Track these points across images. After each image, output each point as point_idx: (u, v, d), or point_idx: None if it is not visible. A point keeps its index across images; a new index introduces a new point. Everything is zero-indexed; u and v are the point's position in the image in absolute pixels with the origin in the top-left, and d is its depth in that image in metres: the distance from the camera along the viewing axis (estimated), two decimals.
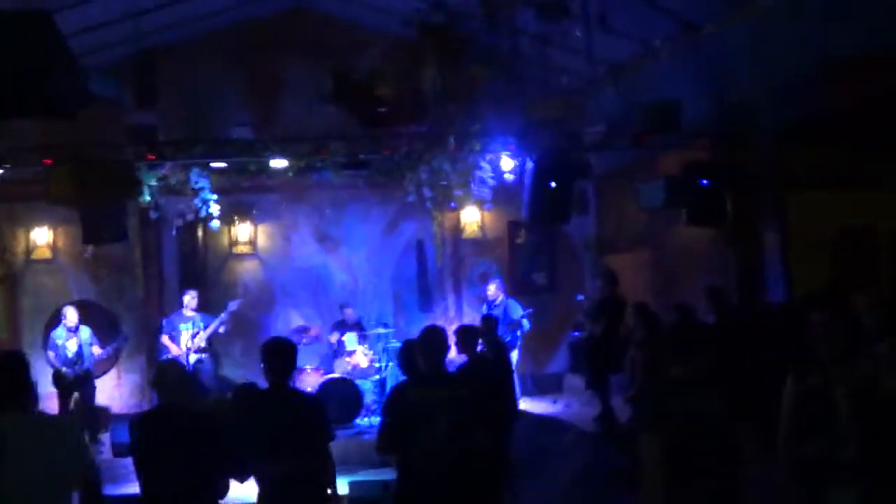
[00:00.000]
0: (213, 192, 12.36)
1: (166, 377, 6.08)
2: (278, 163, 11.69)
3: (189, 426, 5.84)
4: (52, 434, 4.65)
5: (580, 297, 13.47)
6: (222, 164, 11.72)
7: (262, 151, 11.39)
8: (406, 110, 10.93)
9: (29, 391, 4.72)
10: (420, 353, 6.48)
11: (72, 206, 10.93)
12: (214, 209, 12.06)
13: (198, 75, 13.26)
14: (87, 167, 10.10)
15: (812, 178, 10.40)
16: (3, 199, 13.66)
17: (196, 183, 11.75)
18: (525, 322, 13.18)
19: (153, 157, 11.04)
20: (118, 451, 11.08)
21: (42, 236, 14.26)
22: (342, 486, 9.29)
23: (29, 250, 14.35)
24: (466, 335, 9.03)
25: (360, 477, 10.07)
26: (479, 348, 9.29)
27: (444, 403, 6.18)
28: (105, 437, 12.06)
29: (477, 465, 6.25)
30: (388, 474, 8.28)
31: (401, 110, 10.90)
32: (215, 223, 12.52)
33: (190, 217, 12.72)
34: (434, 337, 6.48)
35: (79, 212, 10.86)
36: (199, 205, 11.97)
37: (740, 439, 5.18)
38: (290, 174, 12.06)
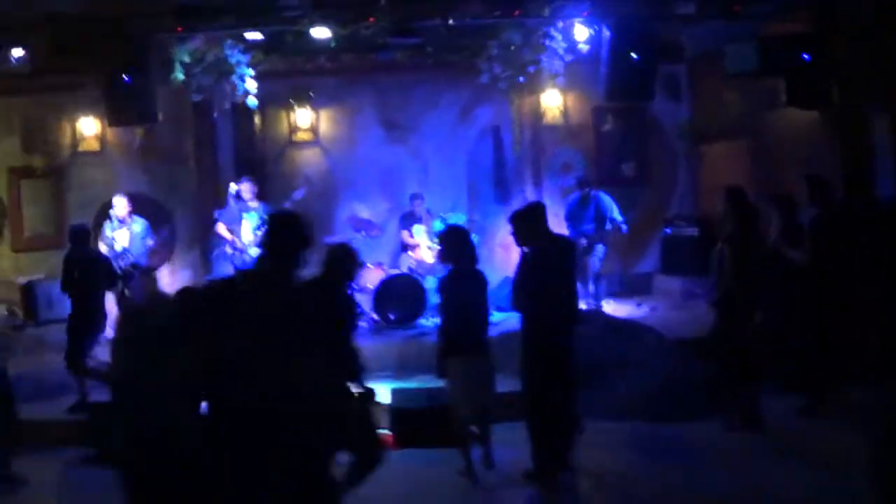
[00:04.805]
0: (267, 74, 11.47)
1: None
2: (319, 32, 10.46)
3: None
4: None
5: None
6: (258, 36, 10.54)
7: (300, 20, 10.10)
8: None
9: None
10: None
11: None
12: (251, 85, 10.99)
13: None
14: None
15: None
16: (48, 88, 12.73)
17: (231, 57, 10.65)
18: (623, 227, 12.12)
19: (181, 30, 9.91)
20: None
21: (89, 127, 13.29)
22: (384, 394, 8.39)
23: (76, 142, 13.44)
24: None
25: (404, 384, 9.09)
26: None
27: None
28: None
29: None
30: (438, 382, 7.42)
31: None
32: (252, 101, 11.50)
33: (238, 99, 11.62)
34: None
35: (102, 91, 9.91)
36: (237, 82, 10.91)
37: None
38: (336, 46, 10.95)
